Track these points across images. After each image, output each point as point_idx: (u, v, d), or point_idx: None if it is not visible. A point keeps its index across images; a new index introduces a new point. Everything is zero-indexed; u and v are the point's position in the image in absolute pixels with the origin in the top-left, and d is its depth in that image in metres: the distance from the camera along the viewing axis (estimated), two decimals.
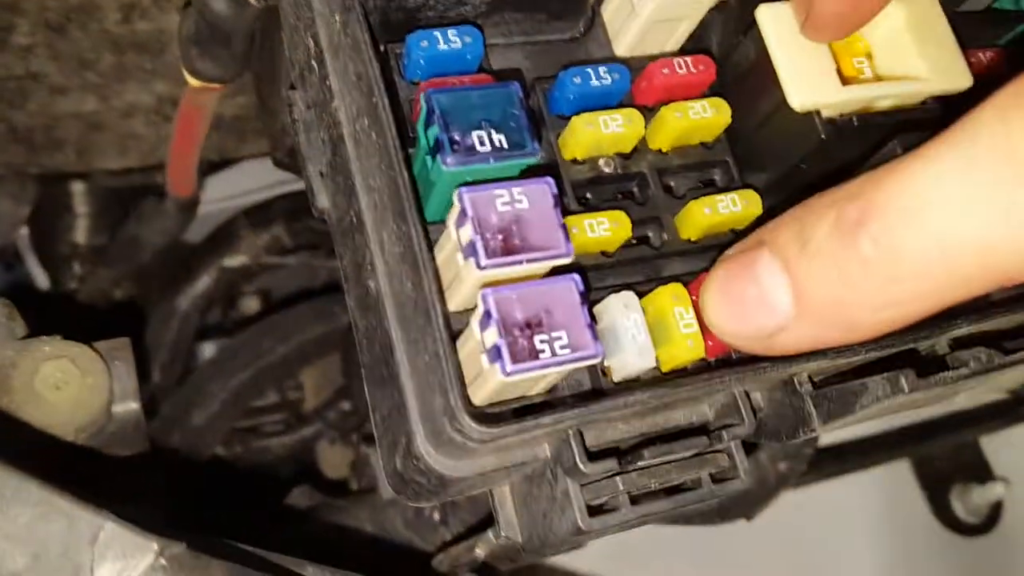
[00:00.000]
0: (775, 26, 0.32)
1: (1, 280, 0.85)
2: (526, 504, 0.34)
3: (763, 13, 0.33)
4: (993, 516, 0.76)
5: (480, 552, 0.38)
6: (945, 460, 0.77)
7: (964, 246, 0.23)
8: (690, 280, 0.34)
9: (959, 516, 0.76)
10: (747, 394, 0.32)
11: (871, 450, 0.68)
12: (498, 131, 0.30)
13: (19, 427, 0.38)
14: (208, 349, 0.88)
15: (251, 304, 0.94)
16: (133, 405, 0.43)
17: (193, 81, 0.47)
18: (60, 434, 0.40)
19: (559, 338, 0.28)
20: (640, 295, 0.33)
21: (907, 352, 0.31)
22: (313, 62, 0.35)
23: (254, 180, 0.86)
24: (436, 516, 0.53)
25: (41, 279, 0.88)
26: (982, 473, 0.77)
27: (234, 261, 0.84)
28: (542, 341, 0.28)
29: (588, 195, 0.35)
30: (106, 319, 0.87)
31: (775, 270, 0.26)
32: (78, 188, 0.81)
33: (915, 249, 0.23)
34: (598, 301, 0.33)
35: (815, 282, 0.25)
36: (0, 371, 0.39)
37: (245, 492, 0.84)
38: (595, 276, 0.34)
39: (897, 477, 0.78)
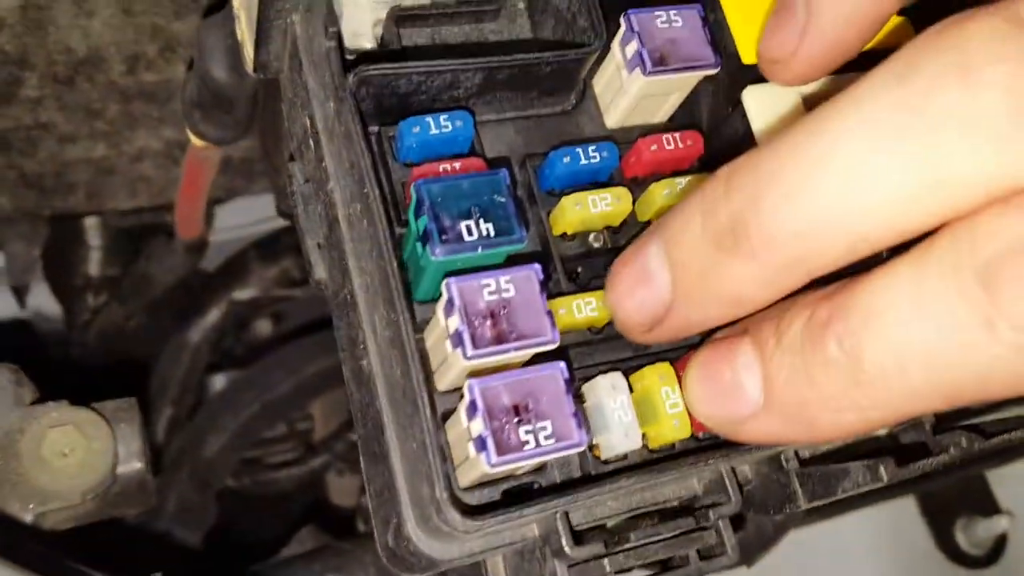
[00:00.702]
0: (760, 108, 0.33)
1: (15, 314, 0.86)
2: None
3: (749, 95, 0.33)
4: (997, 549, 0.76)
5: None
6: (950, 492, 0.77)
7: (912, 359, 0.23)
8: (677, 356, 0.34)
9: (963, 548, 0.76)
10: (734, 471, 0.33)
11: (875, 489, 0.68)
12: (486, 219, 0.31)
13: (27, 496, 0.39)
14: (219, 381, 0.89)
15: (263, 327, 0.95)
16: (138, 465, 0.44)
17: (197, 141, 0.48)
18: (66, 497, 0.41)
19: (544, 428, 0.28)
20: (630, 371, 0.34)
21: (889, 435, 0.32)
22: (310, 140, 0.36)
23: (264, 210, 0.87)
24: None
25: (55, 310, 0.89)
26: (987, 506, 0.77)
27: (244, 294, 0.85)
28: (527, 432, 0.28)
29: (579, 269, 0.35)
30: (121, 349, 0.88)
31: (751, 359, 0.27)
32: (91, 222, 0.82)
33: (872, 355, 0.24)
34: (588, 378, 0.33)
35: (783, 376, 0.26)
36: (8, 437, 0.40)
37: (255, 523, 0.85)
38: (584, 352, 0.34)
39: (901, 509, 0.77)
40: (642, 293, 0.29)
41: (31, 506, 0.39)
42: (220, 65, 0.42)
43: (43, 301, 0.89)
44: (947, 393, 0.24)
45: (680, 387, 0.32)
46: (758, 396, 0.27)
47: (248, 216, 0.87)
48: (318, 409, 0.92)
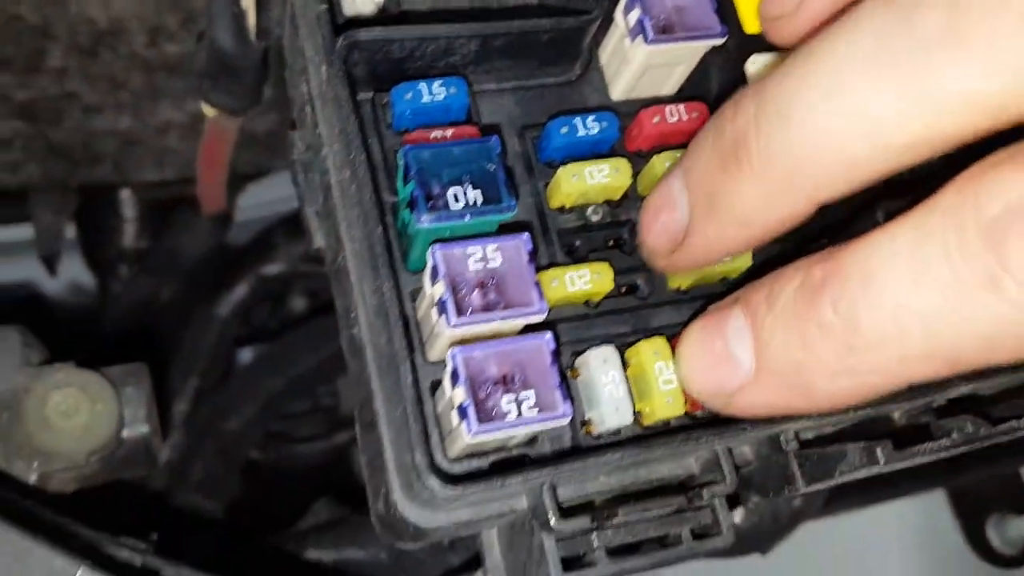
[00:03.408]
0: None
1: (48, 285, 0.88)
2: (511, 550, 0.34)
3: (752, 65, 0.32)
4: None
5: None
6: (982, 489, 0.75)
7: (913, 321, 0.23)
8: (677, 332, 0.34)
9: (995, 547, 0.74)
10: (730, 451, 0.32)
11: (901, 480, 0.66)
12: (475, 187, 0.30)
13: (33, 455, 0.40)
14: (247, 354, 0.90)
15: (297, 303, 0.95)
16: (143, 429, 0.44)
17: (209, 110, 0.48)
18: (70, 458, 0.41)
19: (527, 398, 0.28)
20: (627, 345, 0.33)
21: (893, 417, 0.31)
22: (307, 106, 0.36)
23: (290, 187, 0.87)
24: (446, 540, 0.54)
25: (89, 282, 0.91)
26: (1020, 503, 0.75)
27: (271, 269, 0.86)
28: (509, 401, 0.28)
29: (576, 243, 0.35)
30: (152, 320, 0.89)
31: (742, 327, 0.27)
32: (125, 194, 0.83)
33: (870, 318, 0.23)
34: (582, 352, 0.33)
35: (776, 342, 0.25)
36: (13, 397, 0.41)
37: (278, 495, 0.86)
38: (579, 326, 0.33)
39: (930, 505, 0.76)
40: (664, 217, 0.29)
41: (35, 465, 0.40)
42: (226, 32, 0.42)
43: (77, 272, 0.90)
44: (948, 356, 0.23)
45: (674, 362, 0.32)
46: (749, 364, 0.26)
47: (275, 193, 0.87)
48: (344, 386, 0.92)
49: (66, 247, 0.85)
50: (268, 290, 0.88)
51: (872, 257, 0.23)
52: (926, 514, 0.76)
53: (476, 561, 0.53)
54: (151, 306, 0.88)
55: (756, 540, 0.54)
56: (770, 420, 0.31)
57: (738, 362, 0.26)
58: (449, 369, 0.28)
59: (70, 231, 0.85)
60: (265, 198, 0.88)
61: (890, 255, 0.23)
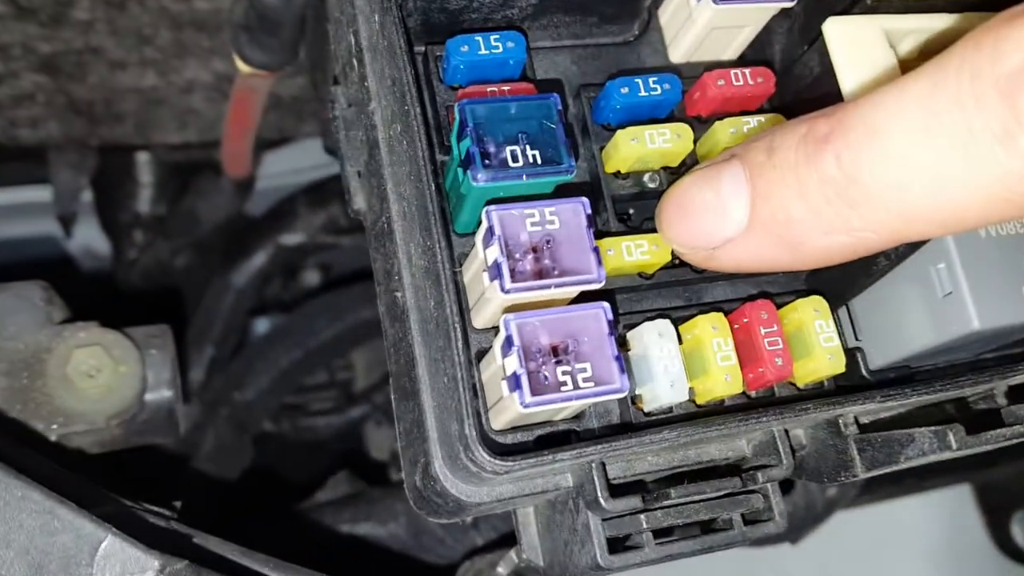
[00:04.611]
0: (842, 40, 0.30)
1: (63, 247, 0.86)
2: (549, 530, 0.33)
3: (831, 26, 0.30)
4: None
5: (502, 571, 0.37)
6: (1008, 485, 0.73)
7: (918, 174, 0.22)
8: (731, 308, 0.32)
9: (1019, 544, 0.73)
10: (787, 432, 0.30)
11: (930, 473, 0.65)
12: (533, 146, 0.28)
13: (51, 416, 0.38)
14: (262, 325, 0.88)
15: (311, 278, 0.94)
16: (166, 393, 0.43)
17: (243, 67, 0.46)
18: (91, 420, 0.40)
19: (583, 370, 0.26)
20: (679, 320, 0.31)
21: (959, 401, 0.29)
22: (354, 60, 0.34)
23: (313, 158, 0.86)
24: (469, 519, 0.53)
25: (103, 246, 0.89)
26: None
27: (290, 239, 0.84)
28: (564, 372, 0.26)
29: (630, 211, 0.33)
30: (165, 288, 0.88)
31: (739, 178, 0.26)
32: (143, 158, 0.82)
33: (874, 171, 0.22)
34: (634, 325, 0.31)
35: (774, 192, 0.25)
36: (35, 355, 0.39)
37: (291, 468, 0.85)
38: (632, 299, 0.32)
39: (956, 501, 0.74)
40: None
41: (54, 426, 0.38)
42: None
43: (91, 237, 0.88)
44: (947, 215, 0.22)
45: (735, 341, 0.30)
46: (742, 217, 0.25)
47: (295, 163, 0.86)
48: (360, 360, 0.91)
49: (83, 209, 0.84)
50: (286, 260, 0.86)
51: (880, 110, 0.22)
52: (951, 508, 0.75)
53: (501, 541, 0.52)
54: (166, 272, 0.87)
55: (789, 528, 0.52)
56: (833, 402, 0.30)
57: (729, 213, 0.26)
58: (502, 336, 0.27)
59: (87, 194, 0.84)
60: (285, 167, 0.87)
61: (898, 107, 0.22)
